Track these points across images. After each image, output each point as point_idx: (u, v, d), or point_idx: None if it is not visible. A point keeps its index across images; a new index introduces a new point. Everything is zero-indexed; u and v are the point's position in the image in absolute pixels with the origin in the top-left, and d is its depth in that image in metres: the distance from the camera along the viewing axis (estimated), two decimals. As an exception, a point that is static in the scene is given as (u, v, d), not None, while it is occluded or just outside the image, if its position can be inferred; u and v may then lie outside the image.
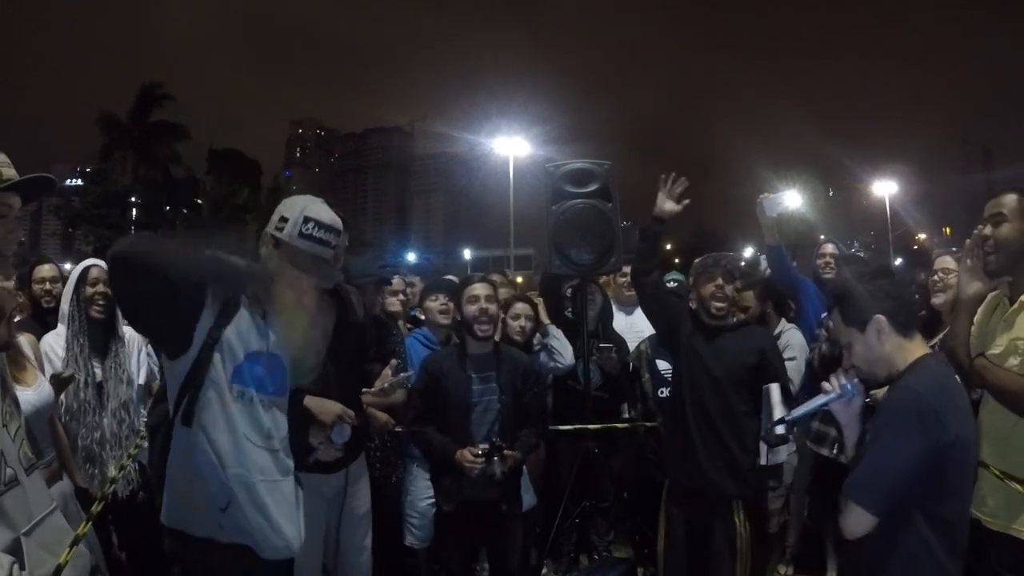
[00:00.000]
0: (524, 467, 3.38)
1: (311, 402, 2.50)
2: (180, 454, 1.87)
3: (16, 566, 1.35)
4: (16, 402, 1.63)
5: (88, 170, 33.22)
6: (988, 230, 2.17)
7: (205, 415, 1.83)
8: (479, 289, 3.04)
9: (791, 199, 3.97)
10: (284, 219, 1.98)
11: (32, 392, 2.43)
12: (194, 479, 1.84)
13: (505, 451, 2.84)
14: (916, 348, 1.82)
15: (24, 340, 2.69)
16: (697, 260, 3.22)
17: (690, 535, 3.00)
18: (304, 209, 1.98)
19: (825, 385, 1.92)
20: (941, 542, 1.69)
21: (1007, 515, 2.03)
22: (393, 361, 3.01)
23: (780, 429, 2.19)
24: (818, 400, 1.92)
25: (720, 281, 3.02)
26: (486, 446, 2.81)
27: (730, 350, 3.00)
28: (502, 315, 3.48)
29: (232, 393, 1.86)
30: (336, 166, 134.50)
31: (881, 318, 1.78)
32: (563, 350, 3.65)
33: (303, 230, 1.96)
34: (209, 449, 1.82)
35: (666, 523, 3.09)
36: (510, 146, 30.32)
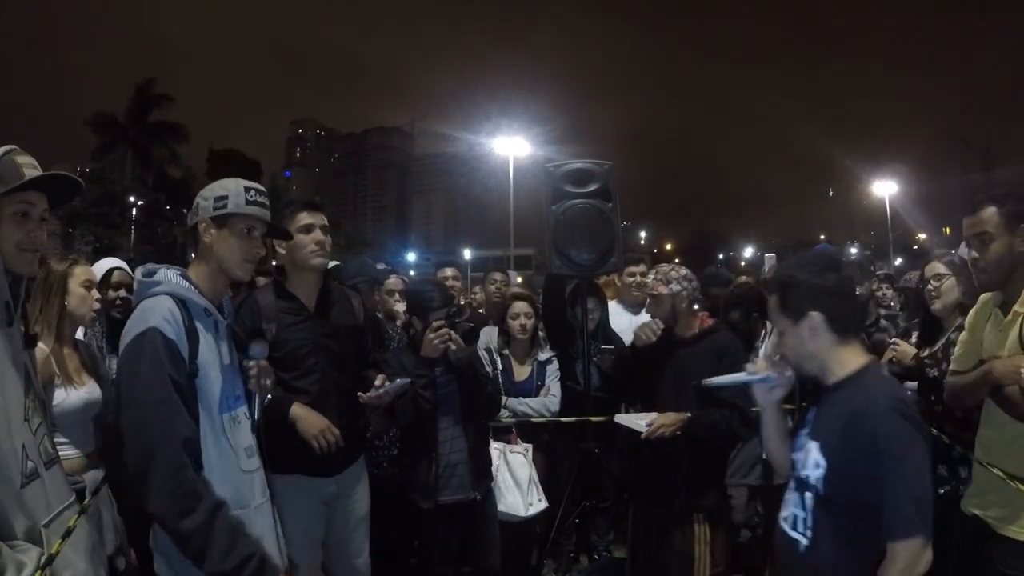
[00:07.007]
0: (534, 474, 3.39)
1: (298, 411, 2.48)
2: None
3: (44, 556, 1.39)
4: (42, 400, 1.65)
5: (88, 170, 33.16)
6: (975, 253, 2.16)
7: (202, 453, 1.76)
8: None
9: None
10: (222, 197, 1.99)
11: (84, 391, 2.56)
12: None
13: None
14: (855, 354, 1.77)
15: (85, 345, 2.81)
16: None
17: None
18: (238, 183, 2.02)
19: (748, 366, 1.95)
20: None
21: (1011, 516, 2.04)
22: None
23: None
24: (741, 376, 1.96)
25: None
26: (441, 320, 2.80)
27: (686, 364, 3.01)
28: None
29: (221, 419, 1.83)
30: (336, 166, 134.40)
31: (816, 316, 1.73)
32: (551, 404, 3.69)
33: (248, 198, 1.99)
34: (213, 487, 1.74)
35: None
36: (510, 146, 30.34)
